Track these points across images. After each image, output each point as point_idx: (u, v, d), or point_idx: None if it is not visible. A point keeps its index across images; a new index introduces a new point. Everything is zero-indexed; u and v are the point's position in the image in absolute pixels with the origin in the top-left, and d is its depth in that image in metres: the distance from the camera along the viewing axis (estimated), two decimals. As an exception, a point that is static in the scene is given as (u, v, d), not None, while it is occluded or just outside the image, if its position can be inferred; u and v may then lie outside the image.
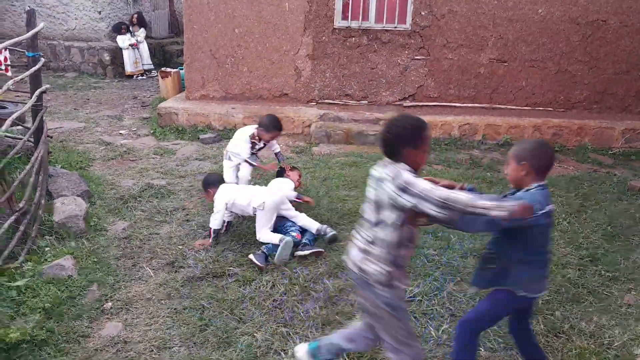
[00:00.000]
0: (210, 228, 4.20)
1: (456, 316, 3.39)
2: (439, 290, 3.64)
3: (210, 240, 4.18)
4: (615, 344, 3.15)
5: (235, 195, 4.21)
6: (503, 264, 2.48)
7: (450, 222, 2.25)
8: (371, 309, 2.44)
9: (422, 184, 2.17)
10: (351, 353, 2.91)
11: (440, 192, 2.14)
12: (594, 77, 7.32)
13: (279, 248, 3.90)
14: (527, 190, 2.43)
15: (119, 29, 11.76)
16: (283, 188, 4.37)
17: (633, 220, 4.78)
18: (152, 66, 12.25)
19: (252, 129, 4.85)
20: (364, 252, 2.39)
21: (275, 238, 4.01)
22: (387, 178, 2.26)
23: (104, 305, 3.45)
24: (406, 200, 2.17)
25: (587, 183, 5.69)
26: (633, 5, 6.98)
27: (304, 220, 4.31)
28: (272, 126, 4.72)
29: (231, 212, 4.28)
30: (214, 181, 4.44)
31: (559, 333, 3.25)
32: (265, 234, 4.10)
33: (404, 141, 2.28)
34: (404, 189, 2.18)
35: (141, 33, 12.04)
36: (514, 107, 7.49)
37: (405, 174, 2.21)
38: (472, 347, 2.65)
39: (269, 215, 4.13)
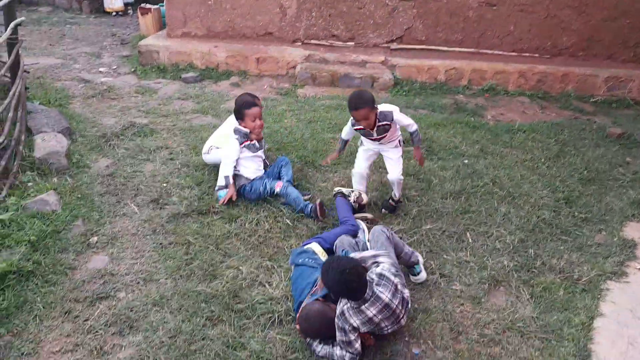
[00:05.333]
0: None
1: (433, 252, 3.52)
2: (417, 228, 3.76)
3: None
4: (584, 279, 3.32)
5: None
6: None
7: None
8: None
9: None
10: None
11: None
12: (581, 24, 7.24)
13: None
14: None
15: None
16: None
17: (609, 165, 4.91)
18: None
19: None
20: None
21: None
22: None
23: (90, 240, 3.49)
24: None
25: (567, 129, 5.76)
26: (626, -51, 6.82)
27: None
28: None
29: None
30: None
31: (531, 269, 3.41)
32: None
33: None
34: None
35: None
36: (500, 53, 7.40)
37: None
38: None
39: None
